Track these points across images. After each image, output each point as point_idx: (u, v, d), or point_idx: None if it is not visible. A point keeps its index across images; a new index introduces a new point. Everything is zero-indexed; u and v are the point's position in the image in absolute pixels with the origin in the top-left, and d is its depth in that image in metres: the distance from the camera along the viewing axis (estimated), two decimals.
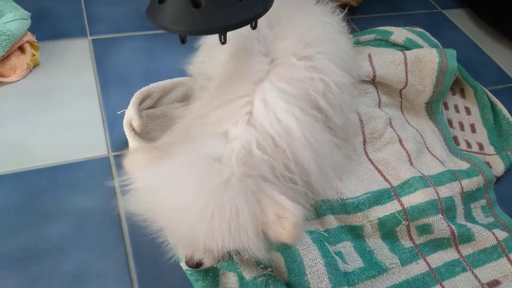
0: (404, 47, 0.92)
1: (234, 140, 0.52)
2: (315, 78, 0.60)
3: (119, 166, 0.72)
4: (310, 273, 0.59)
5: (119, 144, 0.75)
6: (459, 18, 1.27)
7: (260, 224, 0.49)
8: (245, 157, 0.51)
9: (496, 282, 0.68)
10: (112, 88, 0.84)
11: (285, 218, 0.48)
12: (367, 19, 1.18)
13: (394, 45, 0.92)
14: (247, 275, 0.58)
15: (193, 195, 0.48)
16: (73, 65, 0.88)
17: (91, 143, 0.75)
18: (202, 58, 0.69)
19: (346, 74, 0.64)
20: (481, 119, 0.94)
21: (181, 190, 0.49)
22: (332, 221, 0.67)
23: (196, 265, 0.57)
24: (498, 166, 0.84)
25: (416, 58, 0.85)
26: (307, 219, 0.67)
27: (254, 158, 0.51)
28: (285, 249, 0.60)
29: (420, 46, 0.92)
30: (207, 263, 0.58)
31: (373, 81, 0.85)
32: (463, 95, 0.99)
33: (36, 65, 0.86)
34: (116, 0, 1.05)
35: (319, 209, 0.68)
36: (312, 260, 0.60)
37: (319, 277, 0.59)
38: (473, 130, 0.92)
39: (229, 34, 0.50)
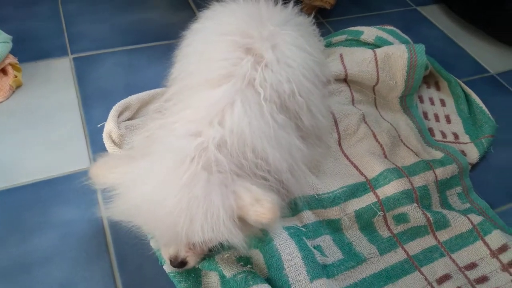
0: (375, 45, 0.94)
1: (204, 138, 0.55)
2: (282, 81, 0.63)
3: None
4: (288, 267, 0.61)
5: None
6: (434, 14, 1.31)
7: (236, 211, 0.51)
8: (214, 153, 0.53)
9: (473, 265, 0.69)
10: (94, 103, 0.87)
11: (264, 199, 0.51)
12: (342, 20, 1.21)
13: (365, 44, 0.95)
14: (227, 273, 0.60)
15: (167, 188, 0.50)
16: (55, 83, 0.90)
17: (74, 157, 0.77)
18: (176, 73, 0.72)
19: (314, 77, 0.67)
20: (456, 110, 0.97)
21: (155, 185, 0.51)
22: (309, 216, 0.69)
23: (180, 264, 0.59)
24: (473, 154, 0.86)
25: (385, 55, 0.88)
26: (283, 215, 0.69)
27: (223, 155, 0.54)
28: (264, 245, 0.63)
29: (390, 44, 0.95)
30: (191, 261, 0.59)
31: (346, 80, 0.87)
32: (438, 88, 1.02)
33: (19, 86, 0.89)
34: (96, 18, 1.09)
35: (296, 205, 0.70)
36: (290, 255, 0.62)
37: (297, 270, 0.60)
38: (448, 120, 0.95)
39: None
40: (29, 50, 0.96)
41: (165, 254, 0.60)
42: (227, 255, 0.63)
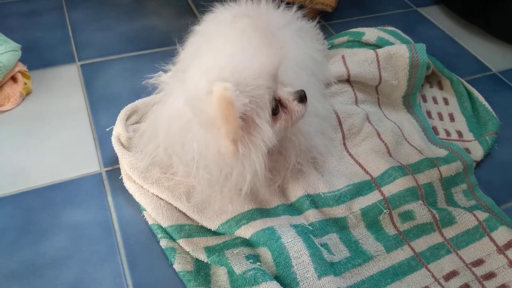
0: (377, 45, 0.95)
1: None
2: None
3: (112, 180, 0.76)
4: (296, 265, 0.61)
5: (110, 160, 0.79)
6: (434, 14, 1.32)
7: None
8: None
9: (480, 261, 0.70)
10: (102, 108, 0.89)
11: None
12: (344, 23, 1.22)
13: (367, 45, 0.96)
14: (237, 270, 0.61)
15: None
16: (63, 90, 0.92)
17: (84, 161, 0.79)
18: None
19: (310, 73, 0.68)
20: (459, 108, 0.97)
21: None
22: (316, 215, 0.70)
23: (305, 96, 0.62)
24: (477, 151, 0.87)
25: (387, 55, 0.89)
26: None
27: None
28: (272, 242, 0.63)
29: (392, 44, 0.96)
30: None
31: (349, 80, 0.89)
32: (440, 87, 1.03)
33: (28, 93, 0.90)
34: (102, 26, 1.11)
35: (303, 204, 0.71)
36: (297, 252, 0.62)
37: (305, 267, 0.61)
38: (452, 119, 0.95)
39: None
40: (37, 58, 0.99)
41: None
42: (237, 250, 0.64)
